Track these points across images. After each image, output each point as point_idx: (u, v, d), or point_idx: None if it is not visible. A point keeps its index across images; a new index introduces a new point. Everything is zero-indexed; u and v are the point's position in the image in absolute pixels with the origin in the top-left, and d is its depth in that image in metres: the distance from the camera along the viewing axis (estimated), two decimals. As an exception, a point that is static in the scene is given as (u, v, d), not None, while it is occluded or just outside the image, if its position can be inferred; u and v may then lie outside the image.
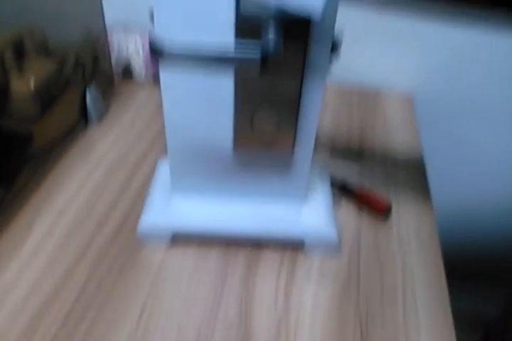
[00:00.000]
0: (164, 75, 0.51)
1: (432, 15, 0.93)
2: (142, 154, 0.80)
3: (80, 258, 0.62)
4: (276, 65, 0.40)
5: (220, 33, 0.47)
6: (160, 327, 0.54)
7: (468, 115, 1.02)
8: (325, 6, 0.40)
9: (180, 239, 0.63)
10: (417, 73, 1.01)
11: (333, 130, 0.90)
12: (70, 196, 0.71)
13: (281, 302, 0.58)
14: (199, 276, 0.60)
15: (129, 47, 0.94)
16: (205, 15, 0.46)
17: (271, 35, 0.41)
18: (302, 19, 0.42)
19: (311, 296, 0.59)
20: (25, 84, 0.74)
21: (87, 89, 0.83)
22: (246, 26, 0.45)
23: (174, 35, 0.48)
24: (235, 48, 0.40)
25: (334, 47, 0.47)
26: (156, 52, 0.39)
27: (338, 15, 0.46)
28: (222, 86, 0.51)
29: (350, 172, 0.78)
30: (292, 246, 0.64)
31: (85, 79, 0.83)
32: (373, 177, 0.78)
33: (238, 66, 0.41)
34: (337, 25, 0.47)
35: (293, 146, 0.56)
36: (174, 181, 0.62)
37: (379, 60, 1.01)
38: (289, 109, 0.52)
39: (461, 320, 0.65)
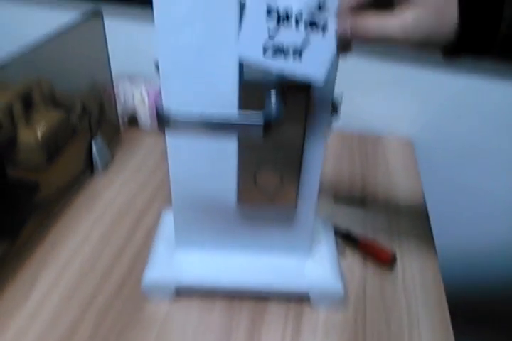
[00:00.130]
0: (170, 137, 0.53)
1: (431, 63, 0.95)
2: (147, 202, 0.80)
3: (85, 311, 0.61)
4: (278, 128, 0.41)
5: (223, 100, 0.49)
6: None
7: (468, 160, 1.04)
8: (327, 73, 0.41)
9: (184, 291, 0.63)
10: (417, 119, 1.03)
11: (335, 175, 0.91)
12: (74, 248, 0.71)
13: (287, 358, 0.57)
14: (204, 330, 0.60)
15: (134, 96, 0.96)
16: (210, 84, 0.48)
17: (273, 101, 0.42)
18: (303, 84, 0.44)
19: (318, 350, 0.58)
20: (32, 134, 0.75)
21: (93, 138, 0.84)
22: (249, 93, 0.46)
23: (180, 104, 0.49)
24: (239, 115, 0.41)
25: (334, 108, 0.48)
26: (162, 120, 0.40)
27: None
28: (226, 147, 0.52)
29: (353, 220, 0.78)
30: (297, 298, 0.63)
31: (91, 128, 0.85)
32: (376, 224, 0.78)
33: (241, 132, 0.42)
34: (339, 73, 0.48)
35: (296, 201, 0.57)
36: (178, 235, 0.62)
37: (379, 106, 1.03)
38: (292, 166, 0.53)
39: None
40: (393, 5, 0.42)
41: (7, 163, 0.72)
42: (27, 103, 0.76)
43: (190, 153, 0.54)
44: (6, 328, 0.59)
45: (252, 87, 0.46)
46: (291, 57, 0.41)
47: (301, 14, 0.41)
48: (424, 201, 0.85)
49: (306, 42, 0.41)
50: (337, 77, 0.48)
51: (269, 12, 0.41)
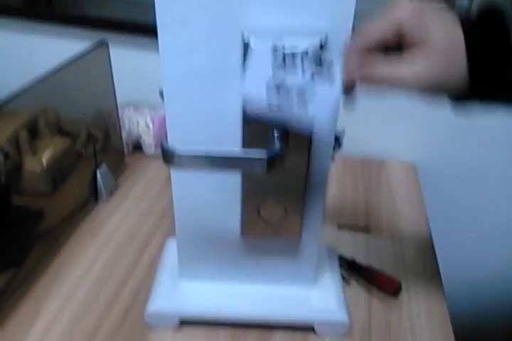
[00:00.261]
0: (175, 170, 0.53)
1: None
2: (151, 231, 0.80)
3: (89, 341, 0.61)
4: (282, 162, 0.42)
5: (227, 131, 0.49)
6: None
7: (470, 184, 1.04)
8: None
9: (188, 322, 0.63)
10: (420, 144, 1.03)
11: (338, 201, 0.91)
12: (78, 277, 0.71)
13: None
14: (208, 362, 0.59)
15: (139, 123, 0.97)
16: (214, 113, 0.49)
17: (276, 136, 0.42)
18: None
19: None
20: (38, 162, 0.76)
21: (98, 166, 0.85)
22: (252, 126, 0.47)
23: (184, 133, 0.50)
24: (242, 152, 0.41)
25: (337, 142, 0.49)
26: (167, 156, 0.41)
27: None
28: (230, 179, 0.53)
29: (357, 247, 0.78)
30: (303, 328, 0.63)
31: (96, 156, 0.86)
32: (381, 251, 0.78)
33: (245, 168, 0.42)
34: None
35: (300, 233, 0.57)
36: (182, 266, 0.62)
37: (382, 131, 1.04)
38: (296, 198, 0.53)
39: None
40: (401, 47, 0.42)
41: (12, 191, 0.73)
42: (32, 131, 0.77)
43: (194, 185, 0.54)
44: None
45: (255, 123, 0.47)
46: (295, 100, 0.41)
47: (306, 55, 0.41)
48: (428, 226, 0.85)
49: (310, 86, 0.41)
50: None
51: (275, 51, 0.41)
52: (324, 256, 0.68)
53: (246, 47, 0.43)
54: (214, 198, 0.56)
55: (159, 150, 1.03)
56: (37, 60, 1.13)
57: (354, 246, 0.78)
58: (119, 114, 0.94)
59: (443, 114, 0.98)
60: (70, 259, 0.74)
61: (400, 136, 1.04)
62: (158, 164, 0.98)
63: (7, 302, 0.65)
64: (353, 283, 0.71)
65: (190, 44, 0.46)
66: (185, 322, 0.63)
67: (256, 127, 0.47)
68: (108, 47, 0.82)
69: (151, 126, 0.97)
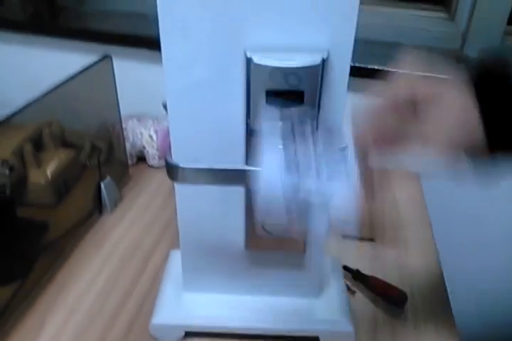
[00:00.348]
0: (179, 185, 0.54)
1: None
2: (155, 242, 0.80)
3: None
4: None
5: (230, 144, 0.50)
6: None
7: (470, 189, 1.04)
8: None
9: (193, 333, 0.62)
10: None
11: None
12: (82, 289, 0.71)
13: None
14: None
15: (143, 134, 0.97)
16: (217, 126, 0.49)
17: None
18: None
19: None
20: (42, 174, 0.76)
21: (102, 178, 0.85)
22: (256, 140, 0.47)
23: (188, 146, 0.51)
24: (246, 167, 0.42)
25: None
26: (171, 172, 0.41)
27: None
28: (234, 193, 0.53)
29: (362, 256, 0.78)
30: (308, 339, 0.62)
31: (100, 168, 0.86)
32: (386, 261, 0.78)
33: (249, 182, 0.42)
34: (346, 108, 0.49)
35: (304, 246, 0.57)
36: (186, 278, 0.62)
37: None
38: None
39: None
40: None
41: (17, 203, 0.73)
42: (37, 143, 0.78)
43: (198, 197, 0.55)
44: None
45: (258, 135, 0.47)
46: (310, 182, 0.42)
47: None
48: (432, 234, 0.84)
49: (327, 186, 0.43)
50: (346, 113, 0.49)
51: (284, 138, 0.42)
52: (329, 267, 0.68)
53: (249, 62, 0.43)
54: (218, 210, 0.56)
55: (163, 162, 1.04)
56: (41, 73, 1.14)
57: (359, 256, 0.78)
58: (123, 126, 0.94)
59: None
60: (75, 271, 0.74)
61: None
62: (162, 175, 0.98)
63: (12, 314, 0.65)
64: (358, 293, 0.71)
65: (192, 57, 0.46)
66: (190, 334, 0.62)
67: (260, 139, 0.47)
68: (112, 60, 0.83)
69: (154, 137, 0.97)
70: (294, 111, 0.43)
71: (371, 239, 0.82)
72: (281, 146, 0.41)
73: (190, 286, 0.63)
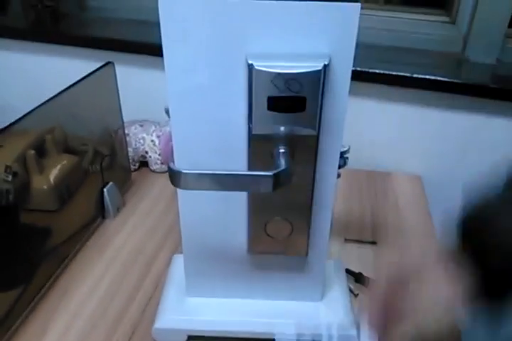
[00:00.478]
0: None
1: (437, 103, 0.98)
2: (157, 247, 0.81)
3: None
4: (288, 179, 0.42)
5: (233, 148, 0.50)
6: None
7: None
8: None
9: (196, 337, 0.63)
10: (425, 156, 1.04)
11: (345, 214, 0.91)
12: (85, 295, 0.71)
13: None
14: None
15: (145, 139, 0.98)
16: (219, 131, 0.50)
17: (282, 155, 0.43)
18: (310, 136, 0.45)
19: None
20: (45, 180, 0.76)
21: (105, 183, 0.86)
22: (258, 146, 0.48)
23: (191, 159, 0.51)
24: (248, 172, 0.42)
25: (342, 159, 0.50)
26: (174, 178, 0.41)
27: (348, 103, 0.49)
28: (236, 197, 0.53)
29: (365, 259, 0.78)
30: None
31: (103, 173, 0.86)
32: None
33: (251, 188, 0.43)
34: (349, 112, 0.50)
35: (307, 249, 0.57)
36: (189, 282, 0.63)
37: (388, 145, 1.04)
38: (302, 215, 0.54)
39: None
40: None
41: (20, 209, 0.73)
42: (40, 149, 0.78)
43: (200, 201, 0.55)
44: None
45: (260, 141, 0.48)
46: None
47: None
48: (436, 238, 0.84)
49: None
50: (348, 118, 0.49)
51: None
52: (331, 270, 0.68)
53: (250, 68, 0.43)
54: (220, 215, 0.56)
55: (165, 167, 1.04)
56: (43, 80, 1.15)
57: (361, 259, 0.78)
58: (125, 131, 0.95)
59: (446, 127, 1.00)
60: (77, 276, 0.74)
61: (405, 148, 1.04)
62: (164, 180, 0.99)
63: (15, 319, 0.65)
64: (361, 296, 0.71)
65: (194, 63, 0.47)
66: (193, 338, 0.62)
67: (261, 144, 0.48)
68: (114, 66, 0.84)
69: (156, 142, 0.98)
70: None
71: (374, 242, 0.82)
72: None
73: (193, 290, 0.63)
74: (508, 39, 0.99)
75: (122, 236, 0.83)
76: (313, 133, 0.47)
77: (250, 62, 0.43)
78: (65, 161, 0.81)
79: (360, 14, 0.43)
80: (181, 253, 0.61)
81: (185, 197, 0.55)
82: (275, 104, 0.44)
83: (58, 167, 0.79)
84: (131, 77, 1.06)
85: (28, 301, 0.68)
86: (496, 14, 0.95)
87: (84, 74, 0.78)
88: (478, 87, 0.93)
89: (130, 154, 0.98)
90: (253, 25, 0.44)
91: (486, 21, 0.96)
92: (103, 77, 0.84)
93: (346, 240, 0.83)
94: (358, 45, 0.45)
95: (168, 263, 0.73)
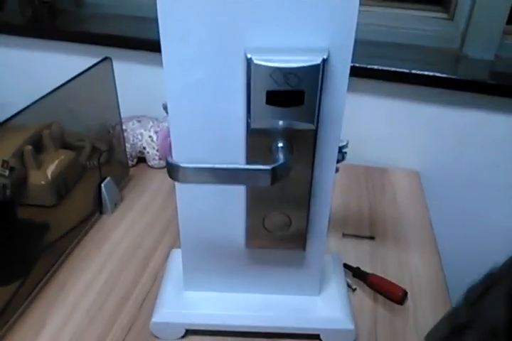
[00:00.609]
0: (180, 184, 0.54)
1: (435, 99, 0.98)
2: (155, 242, 0.81)
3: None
4: (286, 173, 0.42)
5: (231, 144, 0.50)
6: None
7: (471, 189, 1.06)
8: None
9: (194, 331, 0.63)
10: (423, 152, 1.04)
11: (343, 209, 0.91)
12: (83, 289, 0.71)
13: None
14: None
15: (143, 135, 0.98)
16: (217, 127, 0.50)
17: (280, 149, 0.43)
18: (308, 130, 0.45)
19: None
20: (42, 175, 0.76)
21: (102, 178, 0.86)
22: (256, 140, 0.48)
23: (189, 147, 0.51)
24: (247, 166, 0.42)
25: (341, 154, 0.50)
26: (172, 171, 0.41)
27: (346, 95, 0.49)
28: (235, 191, 0.54)
29: (362, 254, 0.78)
30: (308, 336, 0.63)
31: (101, 168, 0.86)
32: (386, 259, 0.78)
33: (250, 182, 0.43)
34: (347, 108, 0.50)
35: (305, 243, 0.57)
36: (187, 276, 0.63)
37: (386, 141, 1.05)
38: (300, 210, 0.54)
39: None
40: None
41: (17, 204, 0.73)
42: (37, 145, 0.78)
43: (198, 196, 0.55)
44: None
45: (259, 135, 0.48)
46: None
47: None
48: (433, 233, 0.85)
49: None
50: (347, 113, 0.49)
51: None
52: (329, 265, 0.68)
53: (249, 62, 0.43)
54: (218, 209, 0.56)
55: (163, 162, 1.04)
56: (41, 76, 1.15)
57: (359, 254, 0.79)
58: (123, 127, 0.95)
59: (445, 121, 1.00)
60: (75, 271, 0.74)
61: (403, 144, 1.05)
62: (162, 176, 0.99)
63: (13, 314, 0.65)
64: (359, 290, 0.72)
65: (192, 57, 0.47)
66: (191, 332, 0.63)
67: (260, 139, 0.48)
68: (112, 61, 0.83)
69: (154, 138, 0.98)
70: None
71: (371, 237, 0.83)
72: None
73: (191, 285, 0.64)
74: (506, 35, 0.99)
75: (120, 232, 0.83)
76: (312, 127, 0.47)
77: (249, 56, 0.43)
78: (62, 157, 0.81)
79: (359, 10, 0.43)
80: (179, 247, 0.61)
81: (183, 191, 0.56)
82: (274, 98, 0.44)
83: (56, 162, 0.79)
84: (129, 73, 1.06)
85: (26, 295, 0.68)
86: (494, 10, 0.95)
87: (83, 70, 0.78)
88: (477, 83, 0.94)
89: (128, 150, 0.98)
90: (252, 19, 0.44)
91: (484, 18, 0.97)
92: (100, 72, 0.83)
93: (344, 235, 0.83)
94: (356, 41, 0.45)
95: (166, 257, 0.74)
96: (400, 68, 0.95)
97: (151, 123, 0.99)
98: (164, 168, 1.01)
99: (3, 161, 0.67)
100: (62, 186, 0.79)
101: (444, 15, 1.05)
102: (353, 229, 0.85)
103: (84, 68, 0.78)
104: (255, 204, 0.54)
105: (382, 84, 0.98)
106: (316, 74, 0.44)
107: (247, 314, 0.62)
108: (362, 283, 0.73)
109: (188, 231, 0.59)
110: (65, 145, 0.83)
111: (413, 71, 0.94)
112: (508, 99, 0.94)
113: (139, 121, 1.00)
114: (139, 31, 1.09)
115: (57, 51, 1.13)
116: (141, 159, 1.02)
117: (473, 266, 1.13)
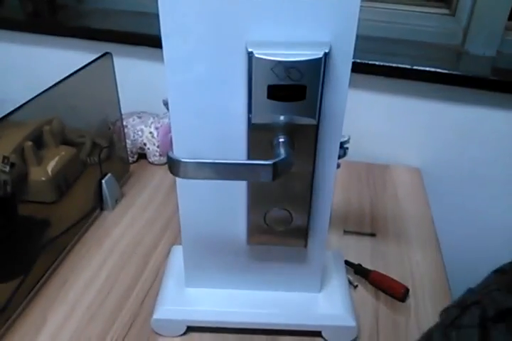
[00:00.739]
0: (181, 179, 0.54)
1: (436, 95, 0.97)
2: (156, 238, 0.81)
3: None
4: (288, 169, 0.42)
5: (232, 140, 0.50)
6: None
7: (472, 186, 1.05)
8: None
9: (195, 328, 0.63)
10: (424, 148, 1.04)
11: (344, 205, 0.91)
12: (84, 286, 0.71)
13: None
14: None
15: (143, 131, 0.98)
16: (219, 123, 0.50)
17: (282, 144, 0.43)
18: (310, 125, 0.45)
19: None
20: (43, 172, 0.76)
21: (103, 175, 0.85)
22: (257, 136, 0.48)
23: (190, 143, 0.51)
24: (248, 161, 0.42)
25: (342, 149, 0.49)
26: (173, 167, 0.41)
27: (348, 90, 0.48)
28: (236, 187, 0.53)
29: (364, 251, 0.78)
30: (310, 333, 0.62)
31: (101, 165, 0.86)
32: (387, 255, 0.78)
33: (251, 177, 0.43)
34: (349, 105, 0.49)
35: (306, 240, 0.57)
36: (188, 273, 0.63)
37: (387, 138, 1.04)
38: (301, 206, 0.54)
39: None
40: None
41: (18, 200, 0.73)
42: (38, 141, 0.78)
43: (199, 192, 0.55)
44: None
45: (260, 130, 0.47)
46: None
47: None
48: (435, 229, 0.85)
49: None
50: (348, 109, 0.49)
51: None
52: (331, 261, 0.68)
53: (250, 56, 0.43)
54: (219, 205, 0.56)
55: (164, 158, 1.04)
56: (41, 72, 1.14)
57: (360, 251, 0.78)
58: (124, 123, 0.94)
59: (447, 118, 0.99)
60: (76, 268, 0.74)
61: (405, 141, 1.04)
62: (163, 172, 0.99)
63: (14, 310, 0.65)
64: (360, 287, 0.71)
65: (193, 51, 0.46)
66: (192, 329, 0.63)
67: (261, 134, 0.48)
68: (112, 57, 0.83)
69: (155, 134, 0.98)
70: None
71: (373, 234, 0.82)
72: None
73: (192, 281, 0.63)
74: (507, 31, 0.98)
75: (121, 228, 0.83)
76: (313, 122, 0.47)
77: (250, 50, 0.43)
78: (63, 153, 0.81)
79: (360, 5, 0.43)
80: (180, 244, 0.61)
81: (184, 187, 0.55)
82: (275, 92, 0.44)
83: (56, 158, 0.79)
84: (129, 68, 1.05)
85: (27, 292, 0.68)
86: (496, 6, 0.95)
87: (83, 65, 0.78)
88: (478, 79, 0.93)
89: (128, 146, 0.97)
90: (253, 13, 0.43)
91: (485, 13, 0.96)
92: (101, 67, 0.83)
93: (345, 232, 0.83)
94: (357, 37, 0.45)
95: (167, 254, 0.74)
96: (402, 64, 0.94)
97: (151, 119, 0.98)
98: (165, 164, 1.00)
99: (4, 157, 0.67)
100: (63, 182, 0.79)
101: (446, 11, 1.05)
102: (354, 226, 0.85)
103: (84, 64, 0.78)
104: (256, 200, 0.53)
105: (383, 80, 0.97)
106: (317, 69, 0.43)
107: (249, 311, 0.62)
108: (363, 280, 0.72)
109: (189, 227, 0.59)
110: (66, 141, 0.83)
111: (414, 67, 0.94)
112: (510, 95, 0.93)
113: (140, 117, 0.99)
114: (139, 26, 1.08)
115: (57, 46, 1.13)
116: (142, 155, 1.01)
117: (476, 262, 1.13)
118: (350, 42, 0.45)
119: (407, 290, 0.69)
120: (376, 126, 1.04)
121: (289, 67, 0.43)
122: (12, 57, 1.18)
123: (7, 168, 0.68)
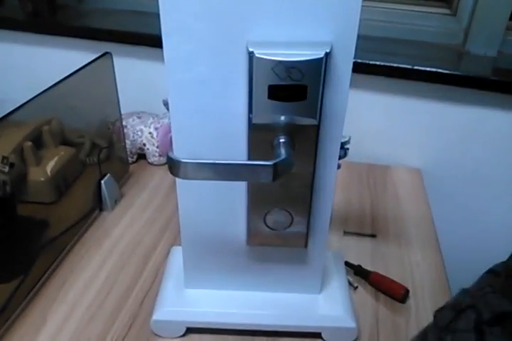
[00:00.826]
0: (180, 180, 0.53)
1: (437, 96, 0.97)
2: (156, 239, 0.80)
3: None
4: (288, 169, 0.42)
5: (232, 140, 0.50)
6: None
7: (473, 186, 1.05)
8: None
9: (194, 329, 0.62)
10: (425, 149, 1.04)
11: (344, 206, 0.90)
12: (83, 286, 0.71)
13: None
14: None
15: (143, 131, 0.97)
16: (219, 123, 0.49)
17: (282, 145, 0.42)
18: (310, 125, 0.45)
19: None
20: (42, 172, 0.76)
21: (102, 175, 0.85)
22: (258, 136, 0.48)
23: (190, 144, 0.51)
24: (248, 162, 0.41)
25: (343, 150, 0.49)
26: (173, 167, 0.41)
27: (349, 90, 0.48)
28: (236, 188, 0.53)
29: (364, 252, 0.78)
30: (310, 335, 0.62)
31: (100, 165, 0.86)
32: (388, 256, 0.78)
33: (251, 178, 0.42)
34: (350, 105, 0.49)
35: (306, 241, 0.57)
36: (188, 274, 0.62)
37: (387, 138, 1.04)
38: (302, 207, 0.53)
39: None
40: None
41: (17, 201, 0.73)
42: (37, 141, 0.78)
43: (199, 193, 0.55)
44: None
45: (261, 130, 0.47)
46: None
47: None
48: (435, 230, 0.84)
49: None
50: (349, 110, 0.49)
51: None
52: (331, 262, 0.68)
53: (251, 56, 0.43)
54: (219, 206, 0.56)
55: (163, 159, 1.03)
56: (41, 71, 1.14)
57: (361, 252, 0.78)
58: (123, 123, 0.94)
59: (448, 118, 0.99)
60: (75, 268, 0.74)
61: (405, 142, 1.04)
62: (162, 172, 0.98)
63: (13, 310, 0.65)
64: (360, 289, 0.71)
65: (194, 51, 0.46)
66: (192, 330, 0.62)
67: (262, 134, 0.47)
68: (112, 56, 0.83)
69: (154, 134, 0.97)
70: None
71: (373, 235, 0.82)
72: None
73: (192, 282, 0.63)
74: (509, 31, 0.98)
75: (120, 229, 0.83)
76: (314, 122, 0.47)
77: (251, 49, 0.43)
78: (62, 153, 0.80)
79: (362, 5, 0.43)
80: (180, 245, 0.61)
81: (184, 188, 0.55)
82: (276, 92, 0.44)
83: (55, 159, 0.78)
84: (129, 68, 1.05)
85: (27, 292, 0.68)
86: (497, 6, 0.95)
87: (83, 65, 0.78)
88: (479, 79, 0.93)
89: (128, 146, 0.97)
90: (254, 13, 0.43)
91: (487, 13, 0.96)
92: (100, 67, 0.83)
93: (345, 233, 0.83)
94: (358, 37, 0.44)
95: (166, 255, 0.73)
96: (402, 64, 0.94)
97: (151, 120, 0.98)
98: (164, 164, 1.00)
99: (3, 157, 0.66)
100: (62, 183, 0.79)
101: (447, 11, 1.05)
102: (354, 226, 0.85)
103: (84, 63, 0.78)
104: (256, 200, 0.53)
105: (384, 80, 0.97)
106: (318, 69, 0.43)
107: (248, 312, 0.61)
108: (363, 281, 0.72)
109: (189, 228, 0.58)
110: (65, 142, 0.83)
111: (415, 67, 0.93)
112: (511, 95, 0.93)
113: (139, 117, 0.99)
114: (139, 26, 1.08)
115: (57, 46, 1.13)
116: (141, 156, 1.01)
117: (476, 263, 1.13)
118: (352, 42, 0.45)
119: (407, 291, 0.69)
120: (377, 126, 1.03)
121: (289, 67, 0.43)
122: (12, 57, 1.18)
123: (6, 168, 0.67)
